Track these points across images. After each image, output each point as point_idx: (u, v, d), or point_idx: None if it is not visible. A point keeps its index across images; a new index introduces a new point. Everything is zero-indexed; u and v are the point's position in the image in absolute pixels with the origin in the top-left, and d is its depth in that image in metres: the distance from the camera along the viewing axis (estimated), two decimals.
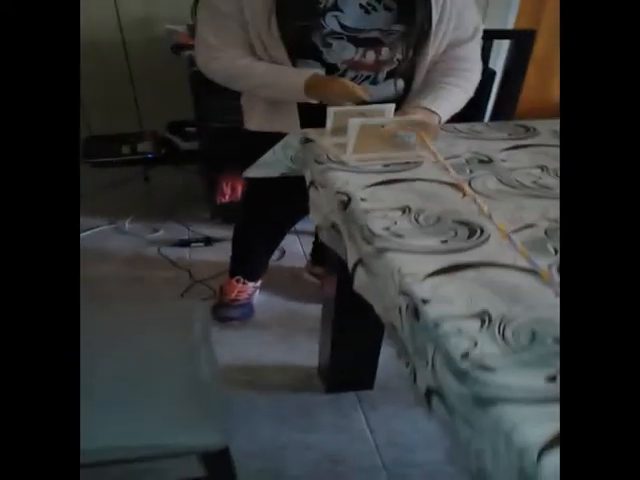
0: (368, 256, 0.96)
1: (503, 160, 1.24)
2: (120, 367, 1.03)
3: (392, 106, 1.30)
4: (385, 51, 1.42)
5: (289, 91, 1.40)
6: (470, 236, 0.95)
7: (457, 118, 1.45)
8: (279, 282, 2.15)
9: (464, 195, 1.06)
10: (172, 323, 1.16)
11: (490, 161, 1.24)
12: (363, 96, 1.32)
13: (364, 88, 1.35)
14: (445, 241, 0.94)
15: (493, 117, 1.97)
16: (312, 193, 1.28)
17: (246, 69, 1.41)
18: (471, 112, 1.49)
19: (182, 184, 2.79)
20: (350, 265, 1.05)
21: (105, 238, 2.45)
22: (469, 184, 1.13)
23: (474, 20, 1.49)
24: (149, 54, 2.65)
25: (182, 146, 2.58)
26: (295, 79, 1.38)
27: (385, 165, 1.22)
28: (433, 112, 1.39)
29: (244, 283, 1.96)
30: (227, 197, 2.41)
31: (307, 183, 1.30)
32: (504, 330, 0.72)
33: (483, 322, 0.75)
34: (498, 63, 2.23)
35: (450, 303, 0.78)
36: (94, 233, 2.47)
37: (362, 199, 1.08)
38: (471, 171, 1.19)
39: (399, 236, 0.95)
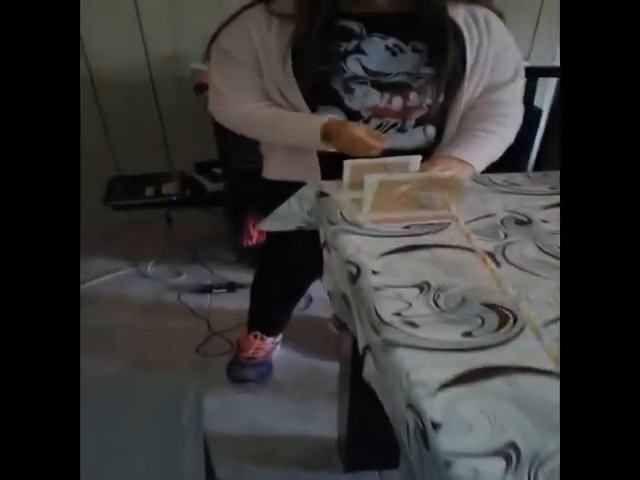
0: (376, 347, 0.79)
1: (544, 221, 1.05)
2: (93, 450, 0.88)
3: (418, 158, 1.14)
4: (413, 96, 1.27)
5: (303, 138, 1.26)
6: (500, 326, 0.76)
7: (495, 167, 1.27)
8: (302, 334, 1.98)
9: (491, 273, 0.87)
10: (160, 403, 1.00)
11: (529, 222, 1.05)
12: (379, 147, 1.17)
13: (382, 137, 1.18)
14: (468, 333, 0.75)
15: (538, 165, 1.75)
16: (325, 255, 1.12)
17: (255, 115, 1.29)
18: (511, 160, 1.30)
19: (207, 226, 2.68)
20: (360, 347, 0.88)
21: (126, 283, 2.35)
22: (503, 252, 0.94)
23: (515, 60, 1.33)
24: (178, 93, 2.55)
25: (209, 187, 2.45)
26: (309, 125, 1.24)
27: (405, 227, 1.04)
28: (465, 163, 1.21)
29: (262, 339, 1.82)
30: (254, 239, 2.28)
31: (321, 242, 1.13)
32: None
33: (509, 462, 0.56)
34: (546, 100, 2.02)
35: (468, 431, 0.60)
36: (115, 277, 2.37)
37: (374, 272, 0.90)
38: (506, 235, 1.00)
39: (412, 325, 0.77)
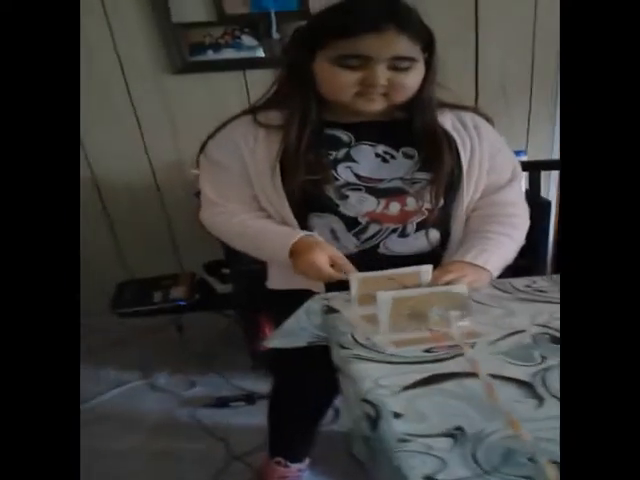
0: None
1: None
2: None
3: (429, 268, 1.03)
4: (411, 201, 1.19)
5: (274, 257, 1.19)
6: None
7: (511, 271, 1.14)
8: (331, 455, 1.71)
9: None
10: None
11: None
12: (337, 278, 1.08)
13: (346, 269, 1.09)
14: None
15: (558, 263, 1.61)
16: (341, 380, 0.97)
17: (241, 227, 1.21)
18: (528, 260, 1.17)
19: (220, 330, 2.52)
20: None
21: (136, 396, 2.17)
22: (543, 382, 0.79)
23: (509, 161, 1.26)
24: (185, 195, 2.48)
25: (219, 289, 2.32)
26: (282, 241, 1.15)
27: (426, 351, 0.90)
28: (480, 268, 1.09)
29: (286, 466, 1.61)
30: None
31: (334, 364, 0.99)
32: None
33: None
34: (552, 191, 1.90)
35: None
36: (124, 390, 2.20)
37: (396, 415, 0.75)
38: (543, 358, 0.85)
39: None
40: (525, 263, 1.20)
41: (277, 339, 1.21)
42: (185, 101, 2.37)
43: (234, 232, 1.23)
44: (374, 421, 0.77)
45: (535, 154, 2.40)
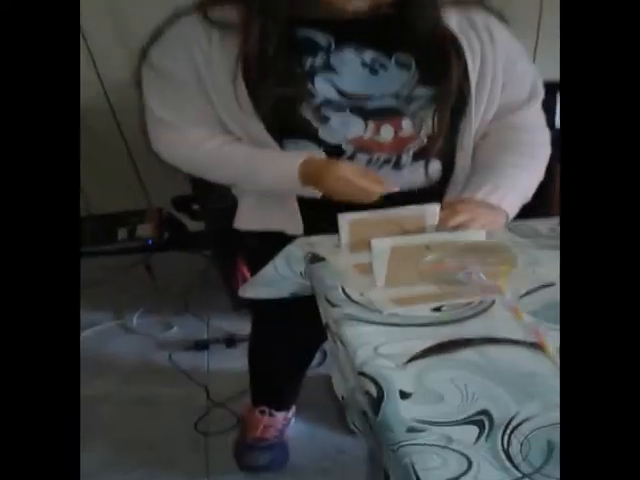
0: None
1: None
2: None
3: (435, 208, 0.88)
4: (407, 124, 1.00)
5: (278, 184, 1.01)
6: None
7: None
8: (320, 400, 1.58)
9: None
10: None
11: None
12: (379, 192, 0.91)
13: (381, 179, 0.92)
14: None
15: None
16: (331, 341, 0.83)
17: (218, 156, 1.02)
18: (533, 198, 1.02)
19: (198, 272, 2.34)
20: None
21: (108, 339, 2.04)
22: None
23: (528, 76, 1.06)
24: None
25: (190, 226, 2.15)
26: (283, 166, 0.98)
27: (435, 309, 0.75)
28: (496, 207, 0.94)
29: (271, 415, 1.50)
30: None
31: (323, 322, 0.85)
32: None
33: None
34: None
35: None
36: (95, 332, 2.06)
37: (402, 393, 0.61)
38: None
39: None
40: (531, 202, 1.04)
41: (254, 289, 1.08)
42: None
43: (209, 163, 1.05)
44: (375, 402, 0.63)
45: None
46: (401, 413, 0.60)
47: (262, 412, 1.50)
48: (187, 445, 1.55)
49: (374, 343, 0.70)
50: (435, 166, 1.04)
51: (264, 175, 1.00)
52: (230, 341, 1.96)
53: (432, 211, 0.86)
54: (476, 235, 0.81)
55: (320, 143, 0.99)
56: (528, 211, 0.98)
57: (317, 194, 0.98)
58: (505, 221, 0.94)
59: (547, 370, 0.63)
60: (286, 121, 0.98)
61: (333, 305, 0.80)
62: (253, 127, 0.98)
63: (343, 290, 0.82)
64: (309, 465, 1.48)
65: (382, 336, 0.72)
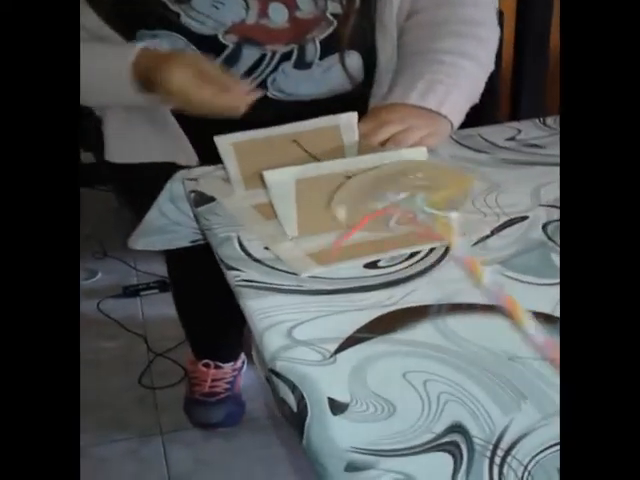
0: None
1: None
2: None
3: (352, 119, 0.68)
4: (304, 0, 0.78)
5: (115, 95, 0.79)
6: None
7: None
8: None
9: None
10: None
11: None
12: (241, 102, 0.69)
13: (238, 80, 0.73)
14: None
15: (516, 101, 1.26)
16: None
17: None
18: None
19: (110, 208, 2.17)
20: None
21: None
22: None
23: None
24: None
25: (83, 157, 1.87)
26: (112, 68, 0.75)
27: (369, 265, 0.56)
28: (435, 114, 0.74)
29: (217, 367, 1.40)
30: None
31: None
32: None
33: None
34: None
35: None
36: None
37: (334, 405, 0.43)
38: None
39: None
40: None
41: (145, 239, 0.91)
42: None
43: None
44: (296, 418, 0.44)
45: None
46: (334, 439, 0.41)
47: (206, 365, 1.41)
48: (134, 402, 1.50)
49: (288, 323, 0.51)
50: (354, 60, 0.83)
51: (95, 79, 0.73)
52: (163, 285, 1.86)
53: (349, 123, 0.66)
54: (415, 154, 0.61)
55: (186, 34, 0.74)
56: (472, 117, 0.79)
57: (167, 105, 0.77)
58: (449, 131, 0.74)
59: (533, 350, 0.46)
60: (133, 5, 0.73)
61: (228, 267, 0.59)
62: (86, 18, 0.72)
63: (240, 244, 0.61)
64: (268, 415, 1.44)
65: (299, 311, 0.52)
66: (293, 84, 0.81)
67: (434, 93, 0.75)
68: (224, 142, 0.65)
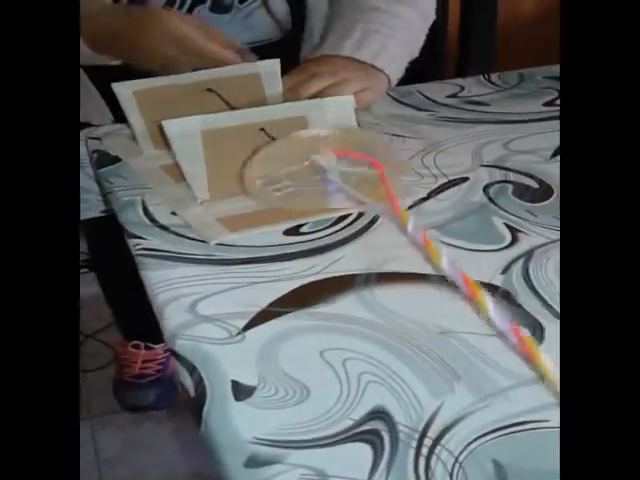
0: None
1: None
2: None
3: (275, 66, 0.63)
4: None
5: None
6: None
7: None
8: None
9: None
10: None
11: (545, 189, 0.54)
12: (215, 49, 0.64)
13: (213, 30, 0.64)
14: None
15: (465, 57, 1.22)
16: None
17: None
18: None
19: None
20: None
21: None
22: (526, 273, 0.44)
23: None
24: None
25: None
26: None
27: (289, 232, 0.51)
28: (370, 67, 0.70)
29: (148, 348, 1.37)
30: None
31: None
32: None
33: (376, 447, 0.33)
34: None
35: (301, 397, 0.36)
36: None
37: (239, 388, 0.38)
38: (514, 233, 0.50)
39: None
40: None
41: None
42: None
43: None
44: (194, 404, 0.38)
45: None
46: (235, 428, 0.36)
47: (136, 346, 1.39)
48: None
49: (192, 296, 0.45)
50: (278, 3, 0.77)
51: None
52: (88, 260, 1.75)
53: (271, 71, 0.60)
54: (341, 104, 0.56)
55: None
56: (413, 73, 0.75)
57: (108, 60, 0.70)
58: (386, 86, 0.69)
59: (471, 323, 0.41)
60: None
61: (129, 234, 0.53)
62: None
63: (145, 209, 0.55)
64: None
65: (205, 283, 0.46)
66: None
67: (369, 44, 0.70)
68: (125, 90, 0.58)
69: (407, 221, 0.47)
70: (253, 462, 0.34)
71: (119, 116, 0.80)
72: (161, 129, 0.58)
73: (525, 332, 0.40)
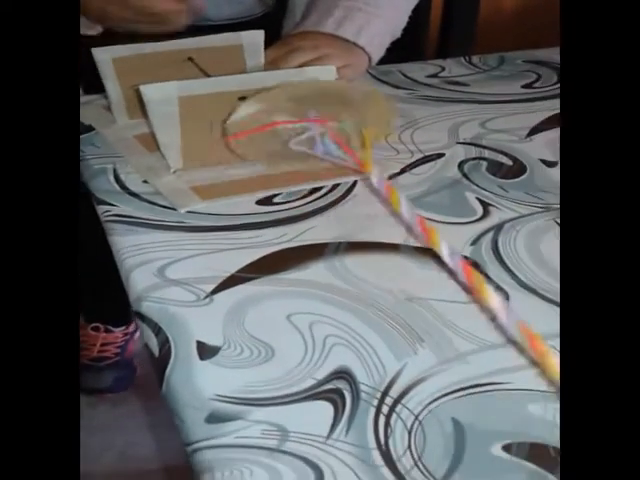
0: None
1: (547, 162, 0.56)
2: None
3: (258, 37, 0.64)
4: None
5: None
6: None
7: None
8: None
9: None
10: None
11: (519, 167, 0.56)
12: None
13: None
14: None
15: (445, 37, 1.23)
16: None
17: None
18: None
19: None
20: None
21: None
22: (495, 247, 0.45)
23: None
24: None
25: None
26: None
27: (262, 201, 0.52)
28: (352, 45, 0.71)
29: (107, 331, 1.40)
30: None
31: None
32: None
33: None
34: None
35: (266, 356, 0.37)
36: None
37: (203, 348, 0.39)
38: (486, 207, 0.51)
39: None
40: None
41: None
42: None
43: None
44: (159, 365, 0.39)
45: None
46: (198, 385, 0.36)
47: (96, 329, 1.41)
48: None
49: (161, 260, 0.46)
50: None
51: None
52: None
53: (253, 42, 0.60)
54: (322, 73, 0.57)
55: None
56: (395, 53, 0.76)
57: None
58: (367, 65, 0.71)
59: (444, 291, 0.42)
60: None
61: (99, 201, 0.53)
62: None
63: (116, 177, 0.56)
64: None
65: (175, 249, 0.47)
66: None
67: (351, 21, 0.71)
68: (103, 56, 0.58)
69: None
70: (214, 418, 0.35)
71: (85, 88, 0.81)
72: (137, 97, 0.58)
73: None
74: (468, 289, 0.40)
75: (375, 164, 0.48)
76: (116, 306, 1.42)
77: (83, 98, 0.70)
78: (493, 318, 0.39)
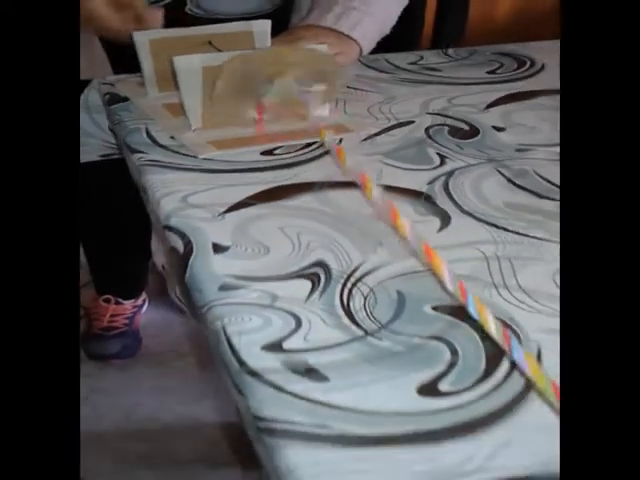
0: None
1: (498, 128, 0.70)
2: None
3: (265, 26, 0.77)
4: None
5: None
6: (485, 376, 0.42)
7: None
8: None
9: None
10: None
11: (474, 131, 0.69)
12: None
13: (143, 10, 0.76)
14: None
15: (437, 34, 1.37)
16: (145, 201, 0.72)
17: None
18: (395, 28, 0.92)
19: None
20: None
21: None
22: (446, 190, 0.59)
23: None
24: None
25: None
26: None
27: (265, 152, 0.65)
28: (346, 38, 0.84)
29: (117, 303, 1.50)
30: None
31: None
32: None
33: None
34: None
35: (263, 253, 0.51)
36: None
37: (217, 247, 0.52)
38: (443, 158, 0.64)
39: (316, 377, 0.40)
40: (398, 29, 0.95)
41: None
42: None
43: None
44: (182, 259, 0.53)
45: None
46: (213, 268, 0.50)
47: (107, 301, 1.51)
48: None
49: (184, 192, 0.59)
50: None
51: None
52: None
53: (262, 30, 0.74)
54: (319, 49, 0.71)
55: None
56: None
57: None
58: (357, 54, 0.85)
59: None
60: None
61: (133, 150, 0.67)
62: None
63: (148, 133, 0.70)
64: (165, 349, 1.55)
65: (195, 184, 0.61)
66: (213, 1, 0.89)
67: (347, 18, 0.85)
68: (142, 38, 0.72)
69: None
70: (225, 287, 0.48)
71: (117, 71, 0.92)
72: (167, 72, 0.73)
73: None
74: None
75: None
76: (126, 280, 1.53)
77: (119, 76, 0.84)
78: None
